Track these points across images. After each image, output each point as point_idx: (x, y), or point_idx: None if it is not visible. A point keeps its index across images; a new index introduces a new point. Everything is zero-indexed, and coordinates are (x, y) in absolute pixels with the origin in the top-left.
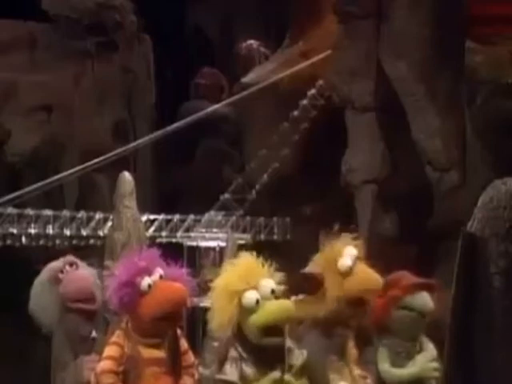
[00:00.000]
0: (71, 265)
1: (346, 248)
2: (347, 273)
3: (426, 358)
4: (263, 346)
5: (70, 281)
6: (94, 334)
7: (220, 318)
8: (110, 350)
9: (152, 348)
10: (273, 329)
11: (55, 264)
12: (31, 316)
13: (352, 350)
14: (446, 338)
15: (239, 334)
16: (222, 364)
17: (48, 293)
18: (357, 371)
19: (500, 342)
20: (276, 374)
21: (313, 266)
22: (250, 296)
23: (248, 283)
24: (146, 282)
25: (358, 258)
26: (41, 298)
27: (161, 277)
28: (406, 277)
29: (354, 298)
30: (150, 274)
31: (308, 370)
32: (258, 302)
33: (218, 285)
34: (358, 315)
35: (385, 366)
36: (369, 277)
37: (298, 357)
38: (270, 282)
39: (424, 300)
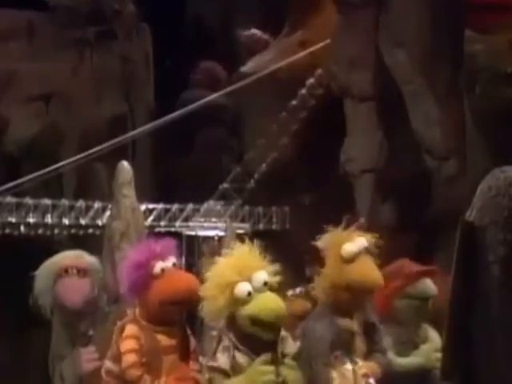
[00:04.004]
0: (78, 271)
1: (356, 237)
2: (349, 259)
3: (431, 348)
4: (255, 337)
5: (65, 291)
6: (90, 332)
7: (211, 308)
8: (128, 344)
9: (168, 336)
10: (265, 321)
11: (64, 260)
12: (33, 303)
13: (359, 344)
14: (445, 325)
15: (232, 324)
16: (214, 352)
17: (52, 285)
18: (362, 370)
19: (498, 330)
20: (267, 356)
21: (320, 243)
22: (243, 287)
23: (241, 275)
24: (159, 265)
25: (367, 252)
26: (45, 288)
27: (174, 265)
28: (407, 265)
29: (351, 286)
30: (163, 259)
31: (301, 361)
32: (249, 294)
33: (211, 275)
34: (356, 303)
35: (389, 355)
36: (370, 272)
37: (293, 346)
38: (263, 274)
39: (426, 287)
